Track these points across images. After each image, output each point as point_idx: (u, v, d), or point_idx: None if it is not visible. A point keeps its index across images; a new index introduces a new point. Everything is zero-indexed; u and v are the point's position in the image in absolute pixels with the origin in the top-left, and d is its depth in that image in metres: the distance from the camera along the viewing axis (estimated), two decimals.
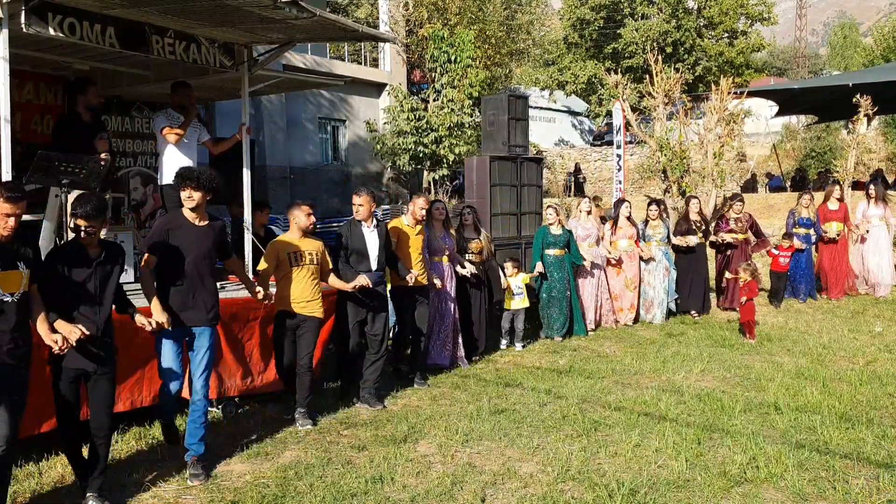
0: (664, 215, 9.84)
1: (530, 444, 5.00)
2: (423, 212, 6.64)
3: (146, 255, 4.58)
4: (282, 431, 5.36)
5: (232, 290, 6.02)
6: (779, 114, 22.78)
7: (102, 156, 6.03)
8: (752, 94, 18.63)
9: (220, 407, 5.83)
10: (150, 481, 4.40)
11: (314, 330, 5.59)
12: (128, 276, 5.20)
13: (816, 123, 26.62)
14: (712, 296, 10.33)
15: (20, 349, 3.64)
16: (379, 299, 6.10)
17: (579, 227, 8.92)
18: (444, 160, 18.96)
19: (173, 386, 4.63)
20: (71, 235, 4.18)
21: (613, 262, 9.17)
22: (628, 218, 9.39)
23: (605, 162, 28.50)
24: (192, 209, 4.57)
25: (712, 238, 10.09)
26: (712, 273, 10.45)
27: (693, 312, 9.74)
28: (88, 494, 4.04)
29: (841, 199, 11.18)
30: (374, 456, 4.80)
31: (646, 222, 9.65)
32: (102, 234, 6.35)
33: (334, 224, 11.70)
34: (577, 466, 4.58)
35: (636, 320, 9.40)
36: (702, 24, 36.96)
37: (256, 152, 13.23)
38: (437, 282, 6.88)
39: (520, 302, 8.05)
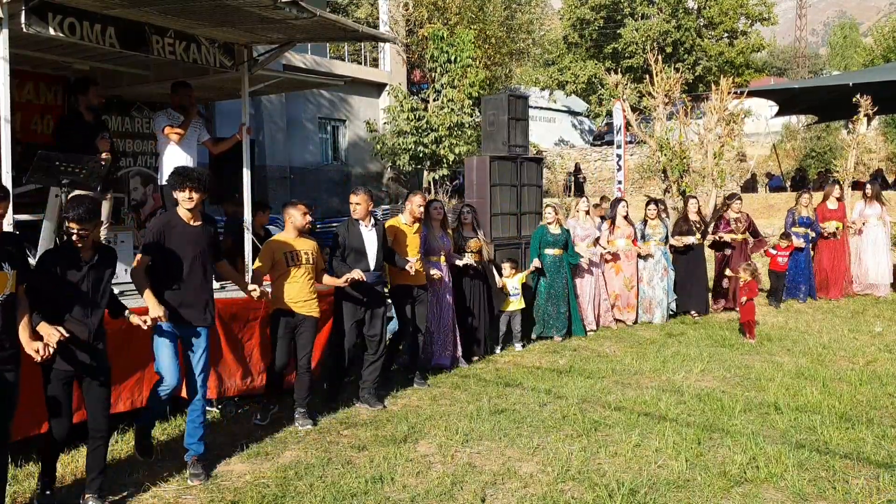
0: (663, 215, 9.84)
1: (530, 444, 5.00)
2: (421, 209, 6.61)
3: (139, 255, 4.53)
4: (282, 431, 5.36)
5: (232, 290, 6.02)
6: (779, 114, 22.80)
7: (103, 155, 6.02)
8: (752, 94, 18.66)
9: (219, 407, 5.83)
10: (149, 481, 4.40)
11: (312, 330, 5.58)
12: (128, 276, 5.18)
13: (816, 123, 26.65)
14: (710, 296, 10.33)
15: (6, 351, 3.59)
16: (377, 299, 6.07)
17: (578, 226, 8.92)
18: (444, 160, 18.97)
19: (169, 386, 4.57)
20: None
21: (609, 256, 9.17)
22: (625, 217, 9.39)
23: (605, 162, 28.52)
24: (189, 210, 4.55)
25: (711, 237, 10.09)
26: (711, 274, 10.45)
27: (693, 312, 9.74)
28: (88, 495, 4.03)
29: (840, 199, 11.19)
30: (374, 456, 4.80)
31: (644, 222, 9.66)
32: (103, 234, 6.39)
33: (334, 224, 11.67)
34: (577, 466, 4.58)
35: (635, 320, 9.40)
36: (702, 24, 36.99)
37: (256, 152, 13.26)
38: (435, 272, 6.81)
39: (516, 303, 8.06)
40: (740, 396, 6.03)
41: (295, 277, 5.48)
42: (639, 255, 9.39)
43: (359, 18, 22.53)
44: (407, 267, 6.23)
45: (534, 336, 8.44)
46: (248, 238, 6.93)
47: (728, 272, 9.59)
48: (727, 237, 9.99)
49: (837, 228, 10.86)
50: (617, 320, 9.25)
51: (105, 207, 6.45)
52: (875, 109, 14.68)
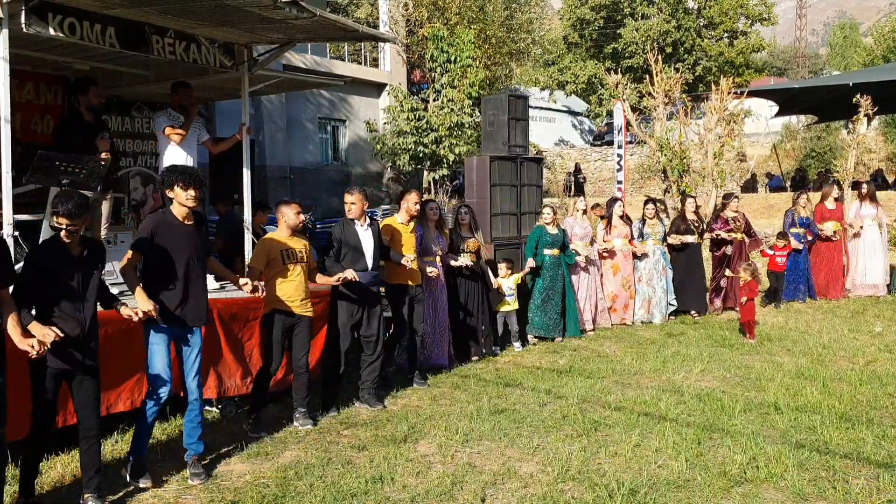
0: (661, 214, 9.85)
1: (530, 444, 5.00)
2: (417, 206, 6.57)
3: (130, 252, 4.47)
4: (282, 431, 5.36)
5: (232, 291, 6.02)
6: (779, 114, 22.81)
7: (103, 155, 6.02)
8: (752, 94, 18.67)
9: (219, 407, 5.83)
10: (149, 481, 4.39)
11: (309, 329, 5.56)
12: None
13: (816, 123, 26.66)
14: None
15: None
16: (373, 300, 6.02)
17: (576, 225, 8.92)
18: (444, 160, 18.96)
19: (163, 385, 4.46)
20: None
21: (606, 253, 9.18)
22: (621, 217, 9.39)
23: (605, 162, 28.52)
24: (188, 208, 4.51)
25: (708, 235, 10.10)
26: (709, 273, 10.45)
27: (693, 312, 9.74)
28: (87, 494, 4.02)
29: (839, 199, 11.18)
30: (374, 456, 4.80)
31: (643, 221, 9.66)
32: (103, 233, 6.39)
33: (334, 224, 11.68)
34: (577, 466, 4.58)
35: (633, 320, 9.40)
36: (702, 24, 37.02)
37: (256, 152, 13.23)
38: (432, 269, 6.75)
39: (511, 303, 8.07)
40: (740, 396, 6.03)
41: (291, 276, 5.44)
42: (635, 255, 9.40)
43: (359, 18, 22.53)
44: (404, 262, 6.19)
45: (529, 335, 8.44)
46: (248, 238, 6.93)
47: (728, 272, 9.59)
48: (726, 236, 9.99)
49: (835, 231, 10.86)
50: (615, 324, 9.24)
51: (105, 207, 6.47)
52: (875, 109, 14.67)
